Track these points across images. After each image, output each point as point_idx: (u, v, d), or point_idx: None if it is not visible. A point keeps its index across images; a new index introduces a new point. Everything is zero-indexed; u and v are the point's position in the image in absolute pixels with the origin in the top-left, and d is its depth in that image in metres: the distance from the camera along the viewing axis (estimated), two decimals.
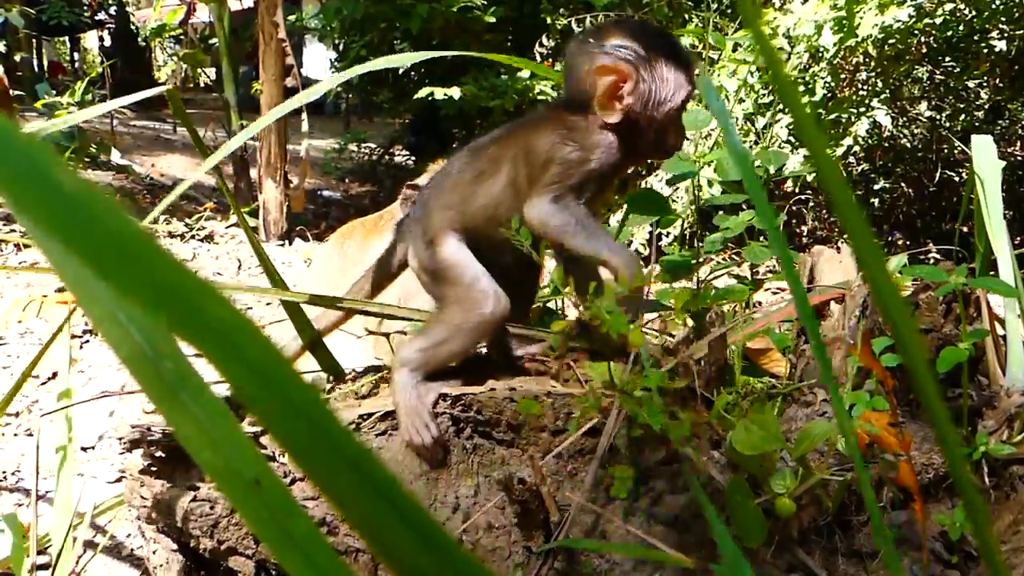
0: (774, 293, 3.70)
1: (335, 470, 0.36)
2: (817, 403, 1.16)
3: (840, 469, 1.03)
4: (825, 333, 1.27)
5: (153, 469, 1.28)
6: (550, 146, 1.29)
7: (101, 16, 14.75)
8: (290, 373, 0.33)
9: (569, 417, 1.24)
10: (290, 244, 5.51)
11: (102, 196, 0.28)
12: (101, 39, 16.29)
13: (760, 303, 2.46)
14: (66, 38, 15.62)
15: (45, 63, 14.31)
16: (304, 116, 5.78)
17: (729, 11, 5.81)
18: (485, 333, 1.32)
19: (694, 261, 1.48)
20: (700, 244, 1.52)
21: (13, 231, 4.31)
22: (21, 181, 0.26)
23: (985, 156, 1.49)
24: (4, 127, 0.27)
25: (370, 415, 1.34)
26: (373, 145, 8.59)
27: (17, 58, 10.40)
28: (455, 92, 5.91)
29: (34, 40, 12.54)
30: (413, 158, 8.50)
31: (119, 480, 1.94)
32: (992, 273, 1.46)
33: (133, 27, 13.81)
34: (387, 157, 8.67)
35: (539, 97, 6.16)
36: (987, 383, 1.25)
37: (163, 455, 1.28)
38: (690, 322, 1.37)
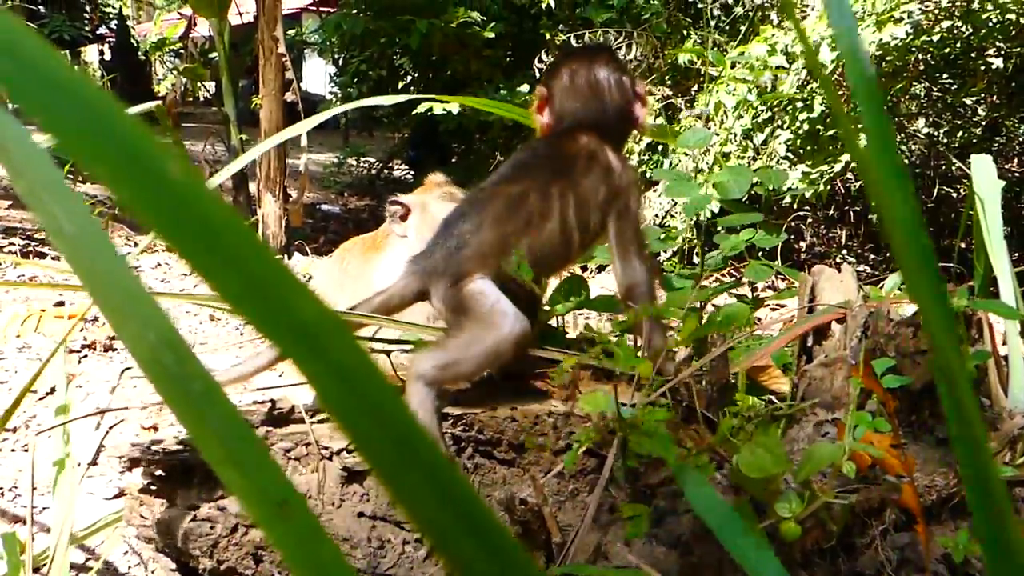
0: (773, 309, 3.70)
1: (414, 480, 0.35)
2: (819, 424, 1.16)
3: (843, 491, 1.02)
4: (826, 353, 1.27)
5: (153, 488, 1.27)
6: (612, 196, 1.30)
7: (102, 30, 14.82)
8: (376, 377, 0.32)
9: (571, 436, 1.23)
10: (289, 258, 5.51)
11: (202, 185, 0.27)
12: (102, 53, 16.36)
13: (759, 319, 2.46)
14: (67, 52, 15.67)
15: None
16: (304, 130, 5.79)
17: (727, 28, 5.85)
18: (504, 354, 1.25)
19: (695, 284, 1.48)
20: (700, 263, 1.52)
21: (12, 244, 4.31)
22: (124, 166, 0.26)
23: (984, 175, 1.49)
24: (120, 115, 0.27)
25: None
26: (372, 159, 8.61)
27: None
28: (454, 107, 5.93)
29: None
30: (412, 172, 8.52)
31: (116, 497, 1.93)
32: (992, 291, 1.46)
33: (133, 41, 13.86)
34: (386, 171, 8.69)
35: None
36: (989, 404, 1.25)
37: (163, 474, 1.27)
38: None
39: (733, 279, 1.74)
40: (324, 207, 7.87)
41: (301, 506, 0.37)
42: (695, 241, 1.94)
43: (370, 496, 1.26)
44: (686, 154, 5.58)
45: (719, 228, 2.30)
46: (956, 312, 1.06)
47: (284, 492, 0.36)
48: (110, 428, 1.61)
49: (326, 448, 1.28)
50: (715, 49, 4.84)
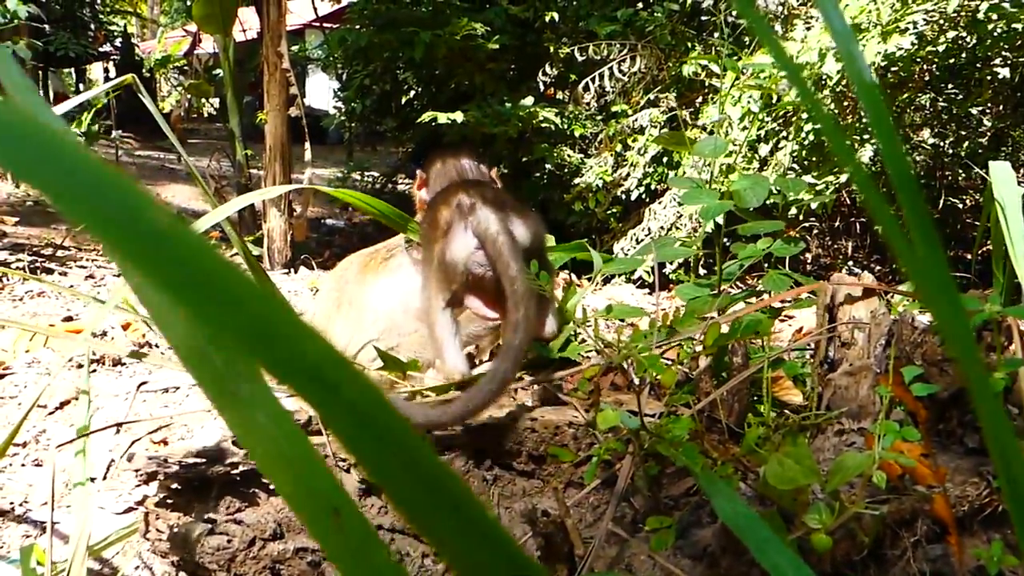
0: (781, 320, 3.68)
1: (439, 515, 0.34)
2: (845, 433, 1.14)
3: (873, 502, 1.01)
4: (850, 362, 1.25)
5: (169, 502, 1.25)
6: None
7: (107, 48, 14.91)
8: (390, 414, 0.31)
9: (592, 447, 1.22)
10: (295, 272, 5.50)
11: (194, 235, 0.26)
12: (106, 70, 16.45)
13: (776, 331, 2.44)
14: (72, 69, 15.76)
15: (51, 94, 14.42)
16: (307, 145, 5.81)
17: (731, 40, 5.85)
18: None
19: (712, 292, 1.47)
20: (718, 272, 1.51)
21: (19, 260, 4.31)
22: (114, 220, 0.25)
23: (1004, 181, 1.48)
24: (97, 167, 0.26)
25: None
26: (376, 173, 8.62)
27: None
28: (459, 117, 5.94)
29: (40, 71, 12.64)
30: None
31: (128, 511, 1.92)
32: (1014, 299, 1.45)
33: (138, 58, 13.94)
34: (390, 185, 8.70)
35: (542, 125, 6.19)
36: (1017, 412, 1.23)
37: (179, 487, 1.26)
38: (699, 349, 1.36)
39: (747, 289, 1.72)
40: (329, 221, 7.88)
41: (354, 513, 0.35)
42: (699, 253, 1.92)
43: (388, 509, 1.25)
44: (691, 166, 5.58)
45: (726, 240, 2.29)
46: (987, 319, 1.04)
47: (337, 498, 0.35)
48: (132, 443, 1.60)
49: (343, 460, 1.27)
50: (730, 58, 4.82)
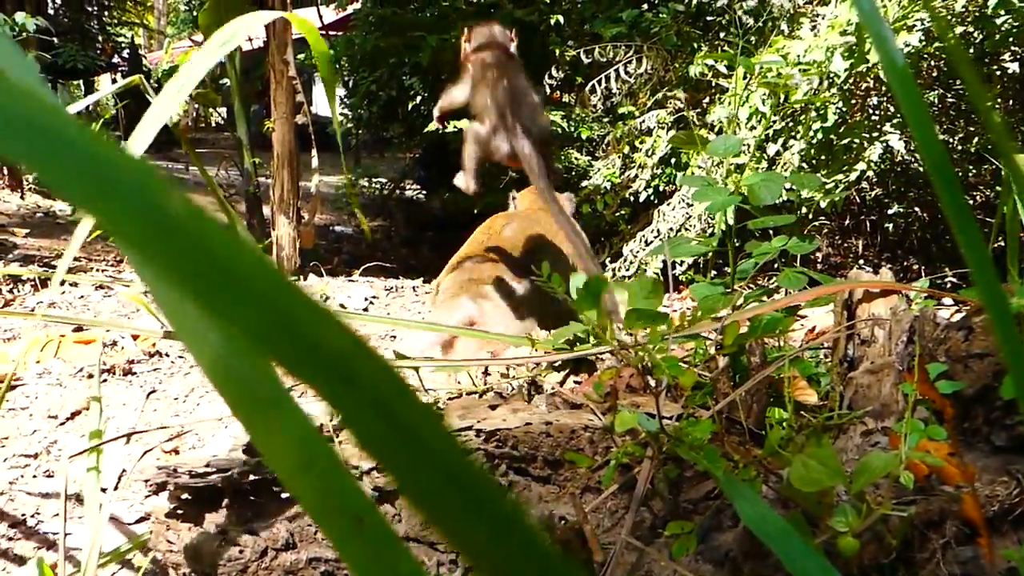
0: (795, 319, 3.65)
1: (470, 519, 0.32)
2: (868, 433, 1.11)
3: (899, 503, 0.98)
4: (872, 360, 1.23)
5: (179, 512, 1.24)
6: None
7: (114, 59, 14.99)
8: (421, 410, 0.29)
9: (609, 451, 1.20)
10: (304, 280, 5.50)
11: (208, 218, 0.24)
12: (114, 81, 16.51)
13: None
14: (80, 81, 15.84)
15: None
16: (314, 153, 5.81)
17: (735, 40, 5.82)
18: None
19: (727, 290, 1.44)
20: (732, 270, 1.48)
21: (30, 271, 4.31)
22: (120, 204, 0.24)
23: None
24: (107, 149, 0.24)
25: None
26: (384, 180, 8.62)
27: None
28: (465, 124, 5.92)
29: (48, 84, 12.69)
30: (424, 192, 8.52)
31: (139, 522, 1.90)
32: None
33: (145, 69, 13.99)
34: (397, 191, 8.70)
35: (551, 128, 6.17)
36: None
37: (189, 497, 1.24)
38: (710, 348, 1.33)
39: (759, 288, 1.70)
40: (337, 228, 7.89)
41: (377, 520, 0.33)
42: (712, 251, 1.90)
43: (402, 516, 1.23)
44: (699, 167, 5.55)
45: (736, 241, 2.27)
46: (1017, 312, 1.02)
47: (359, 505, 0.33)
48: (144, 453, 1.59)
49: (355, 468, 1.25)
50: (742, 56, 4.79)
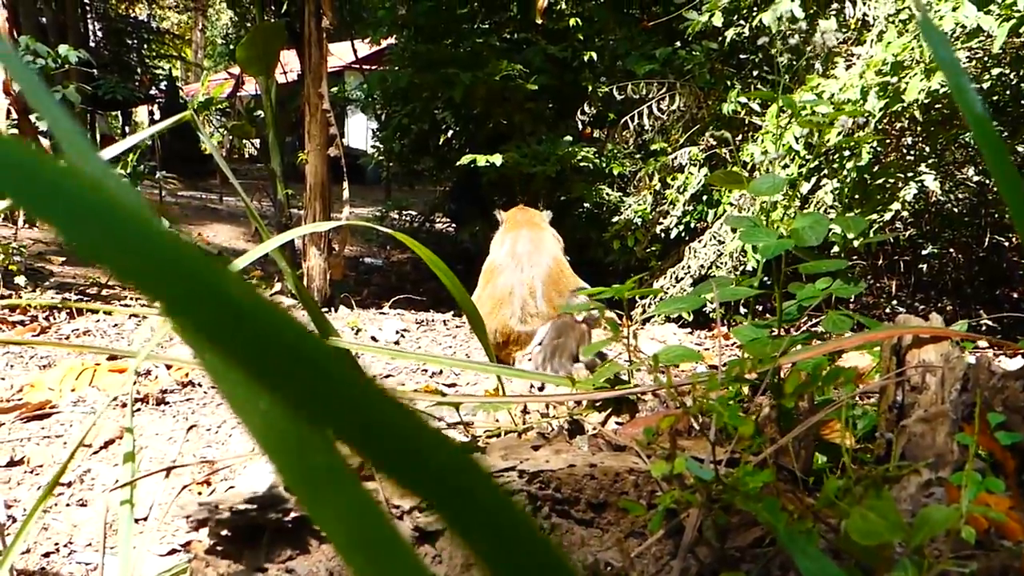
0: (833, 362, 3.60)
1: (513, 563, 0.31)
2: (925, 485, 1.08)
3: (959, 558, 0.95)
4: (924, 408, 1.20)
5: (219, 549, 1.23)
6: None
7: (152, 91, 15.33)
8: (488, 485, 0.28)
9: (653, 496, 1.17)
10: (335, 311, 5.52)
11: (280, 311, 0.24)
12: (151, 113, 16.89)
13: None
14: (118, 112, 16.20)
15: (98, 136, 14.82)
16: (345, 185, 5.86)
17: (770, 77, 5.83)
18: None
19: (773, 333, 1.42)
20: (778, 313, 1.46)
21: (67, 299, 4.37)
22: (188, 294, 0.23)
23: None
24: (173, 243, 0.24)
25: None
26: (414, 212, 8.68)
27: None
28: (497, 159, 5.96)
29: (88, 114, 13.00)
30: (454, 225, 8.56)
31: (172, 553, 1.90)
32: None
33: (182, 101, 14.28)
34: (428, 224, 8.75)
35: (580, 164, 6.19)
36: None
37: (229, 534, 1.23)
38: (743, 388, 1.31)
39: (806, 332, 1.67)
40: (367, 260, 7.94)
41: None
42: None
43: (443, 558, 1.21)
44: (731, 203, 5.53)
45: (765, 278, 2.23)
46: None
47: None
48: (181, 489, 1.58)
49: (396, 507, 1.24)
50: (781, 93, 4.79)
